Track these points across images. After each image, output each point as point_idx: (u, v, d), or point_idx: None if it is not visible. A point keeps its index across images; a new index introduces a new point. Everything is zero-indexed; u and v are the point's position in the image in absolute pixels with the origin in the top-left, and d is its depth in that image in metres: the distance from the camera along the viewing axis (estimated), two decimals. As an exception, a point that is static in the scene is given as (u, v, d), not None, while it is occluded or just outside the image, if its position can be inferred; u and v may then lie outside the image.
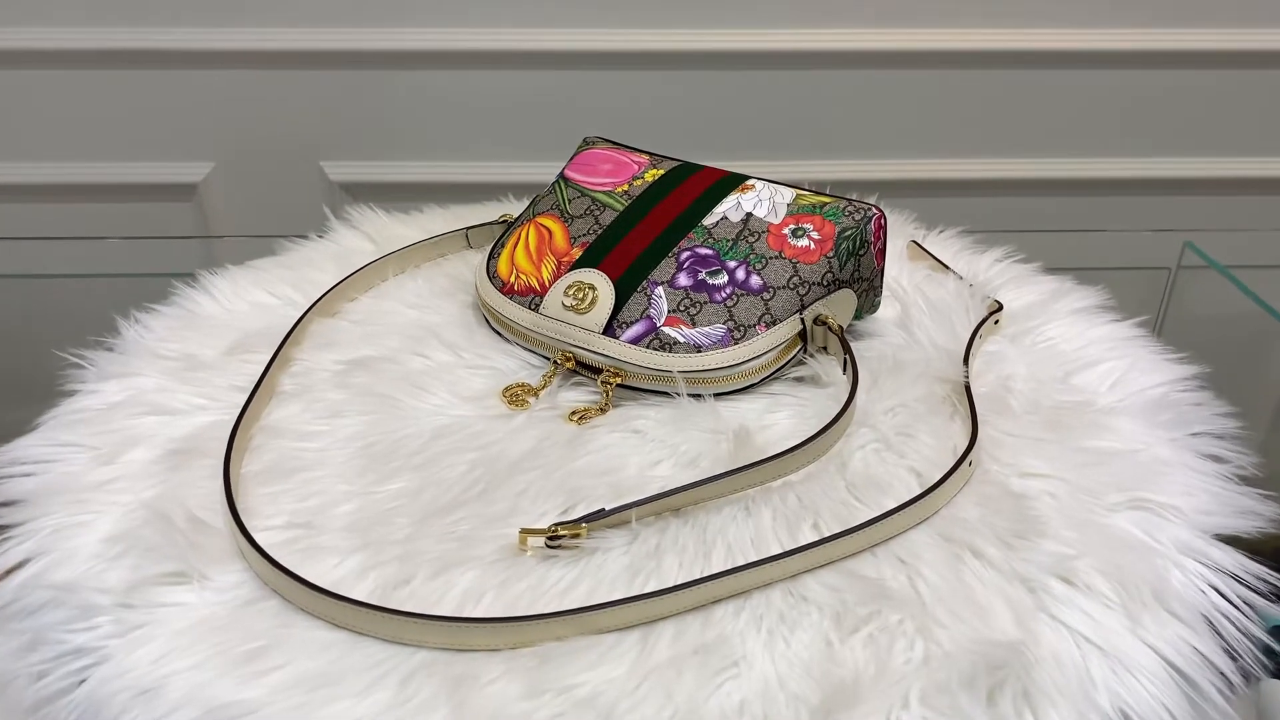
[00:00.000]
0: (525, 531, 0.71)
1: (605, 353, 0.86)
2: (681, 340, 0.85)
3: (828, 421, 0.79)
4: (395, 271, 1.04)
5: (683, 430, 0.82)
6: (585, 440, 0.82)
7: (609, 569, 0.70)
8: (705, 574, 0.69)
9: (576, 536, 0.71)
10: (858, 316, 0.94)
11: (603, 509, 0.72)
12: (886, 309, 0.98)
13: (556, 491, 0.76)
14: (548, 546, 0.71)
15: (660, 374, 0.85)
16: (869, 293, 0.94)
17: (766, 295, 0.87)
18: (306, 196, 1.54)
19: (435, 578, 0.69)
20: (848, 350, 0.87)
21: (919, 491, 0.76)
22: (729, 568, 0.68)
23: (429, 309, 0.98)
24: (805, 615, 0.66)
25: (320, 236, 1.12)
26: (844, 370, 0.88)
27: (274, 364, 0.88)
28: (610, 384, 0.86)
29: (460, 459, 0.79)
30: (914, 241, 1.11)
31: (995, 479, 0.78)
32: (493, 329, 0.95)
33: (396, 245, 1.06)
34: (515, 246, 0.96)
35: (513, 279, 0.93)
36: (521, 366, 0.91)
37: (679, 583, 0.68)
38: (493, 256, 0.97)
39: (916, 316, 0.95)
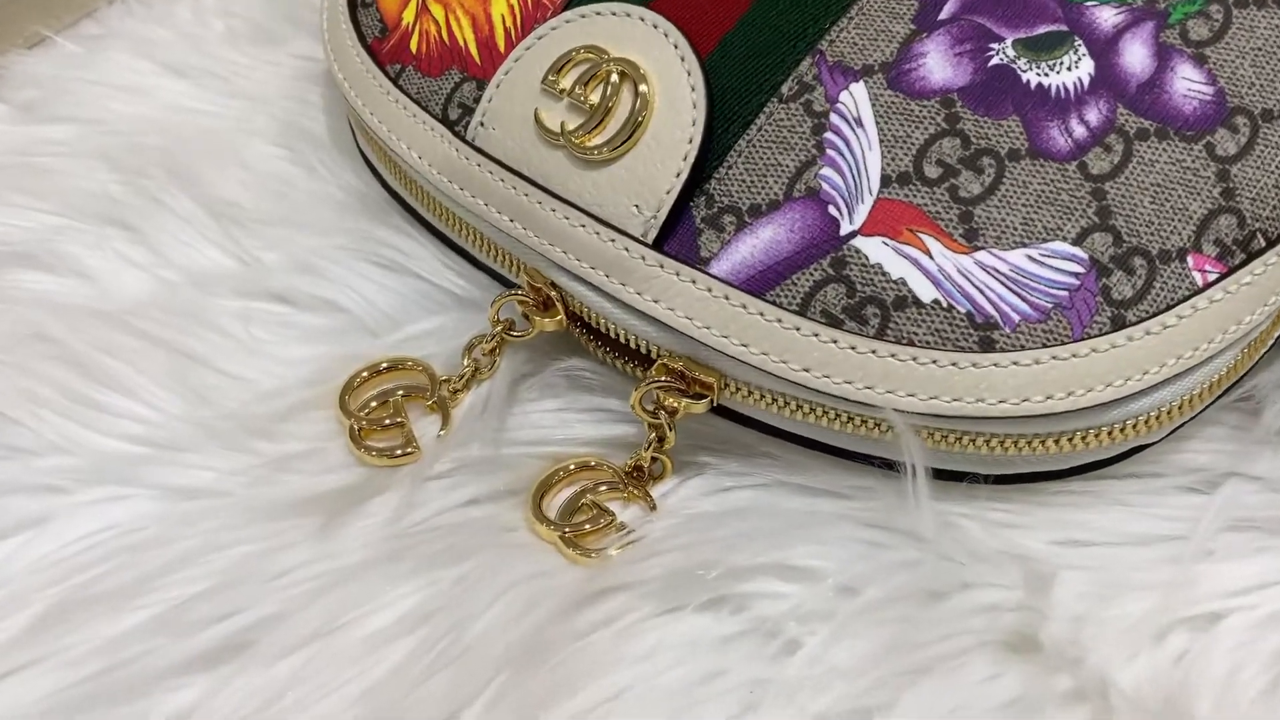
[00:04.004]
0: None
1: (656, 308, 0.26)
2: (914, 293, 0.25)
3: None
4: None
5: (942, 658, 0.23)
6: (582, 667, 0.24)
7: None
8: None
9: None
10: None
11: None
12: None
13: None
14: None
15: (850, 406, 0.26)
16: None
17: (1223, 139, 0.25)
18: None
19: None
20: None
21: None
22: None
23: (212, 84, 0.37)
24: None
25: None
26: None
27: None
28: (671, 410, 0.27)
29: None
30: None
31: None
32: (366, 163, 0.35)
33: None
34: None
35: (409, 19, 0.32)
36: (418, 302, 0.31)
37: None
38: (373, -58, 0.35)
39: None
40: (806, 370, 0.25)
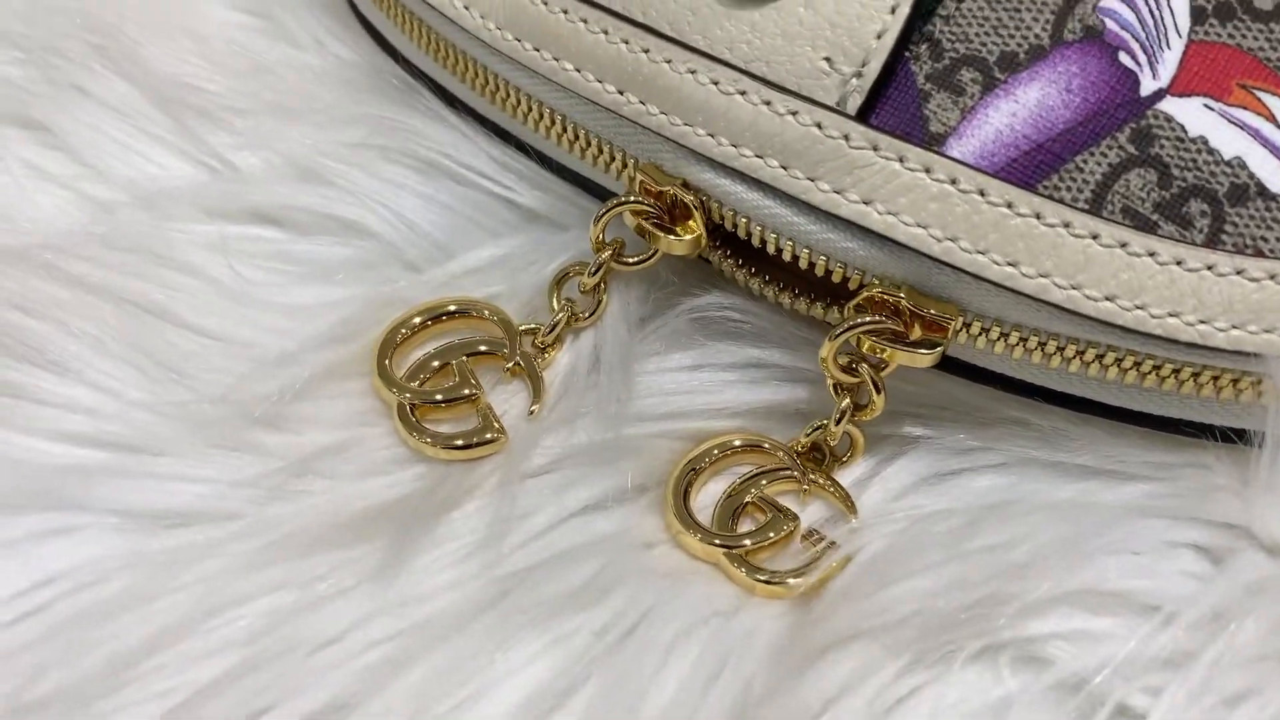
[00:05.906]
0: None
1: (868, 212, 0.17)
2: (1258, 178, 0.17)
3: None
4: None
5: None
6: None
7: None
8: None
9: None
10: None
11: None
12: None
13: None
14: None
15: (1173, 351, 0.17)
16: None
17: None
18: None
19: None
20: None
21: None
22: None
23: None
24: None
25: None
26: None
27: None
28: (877, 364, 0.19)
29: None
30: None
31: None
32: (371, 35, 0.25)
33: None
34: None
35: None
36: (475, 219, 0.22)
37: None
38: None
39: None
40: (1110, 300, 0.17)
